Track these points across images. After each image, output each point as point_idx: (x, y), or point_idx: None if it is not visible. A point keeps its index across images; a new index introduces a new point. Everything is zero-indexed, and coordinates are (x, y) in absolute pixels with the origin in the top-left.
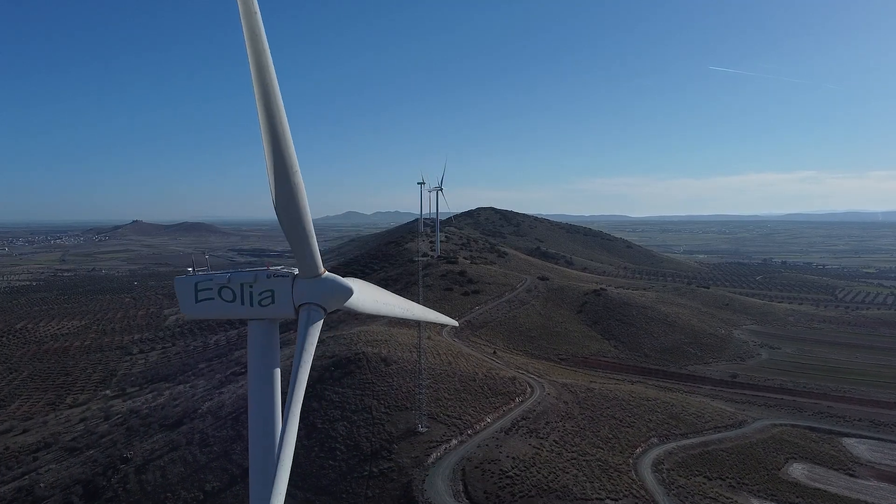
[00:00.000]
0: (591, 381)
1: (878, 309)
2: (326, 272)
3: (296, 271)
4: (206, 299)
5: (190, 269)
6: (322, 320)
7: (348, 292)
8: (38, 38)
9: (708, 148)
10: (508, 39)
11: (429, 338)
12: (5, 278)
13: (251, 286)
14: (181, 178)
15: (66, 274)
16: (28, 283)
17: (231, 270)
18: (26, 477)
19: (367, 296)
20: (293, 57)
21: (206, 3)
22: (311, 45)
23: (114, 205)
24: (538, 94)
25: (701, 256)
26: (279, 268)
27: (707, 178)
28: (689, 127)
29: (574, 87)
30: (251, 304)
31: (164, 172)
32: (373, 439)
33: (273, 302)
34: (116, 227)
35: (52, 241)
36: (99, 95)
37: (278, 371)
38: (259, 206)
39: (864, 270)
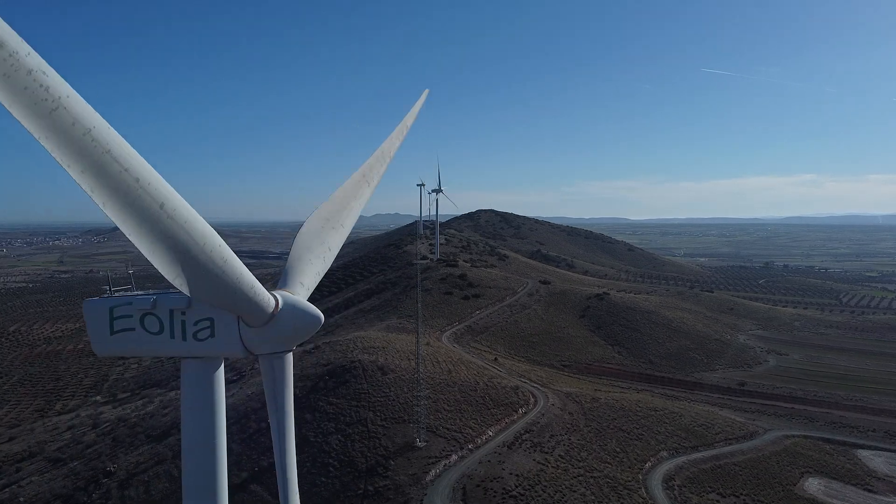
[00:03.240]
0: (595, 390)
1: (885, 314)
2: (279, 295)
3: None
4: (124, 330)
5: (106, 287)
6: (291, 357)
7: (317, 321)
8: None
9: (707, 151)
10: (508, 45)
11: (428, 344)
12: (1, 280)
13: (184, 313)
14: (181, 180)
15: (63, 276)
16: (24, 284)
17: (159, 290)
18: (6, 490)
19: (311, 278)
20: (294, 57)
21: (205, 8)
22: (312, 45)
23: None
24: (538, 98)
25: (702, 260)
26: None
27: (707, 181)
28: (688, 130)
29: (573, 90)
30: (183, 338)
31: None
32: (368, 454)
33: (213, 335)
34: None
35: (50, 243)
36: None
37: (222, 421)
38: (258, 209)
39: (867, 274)
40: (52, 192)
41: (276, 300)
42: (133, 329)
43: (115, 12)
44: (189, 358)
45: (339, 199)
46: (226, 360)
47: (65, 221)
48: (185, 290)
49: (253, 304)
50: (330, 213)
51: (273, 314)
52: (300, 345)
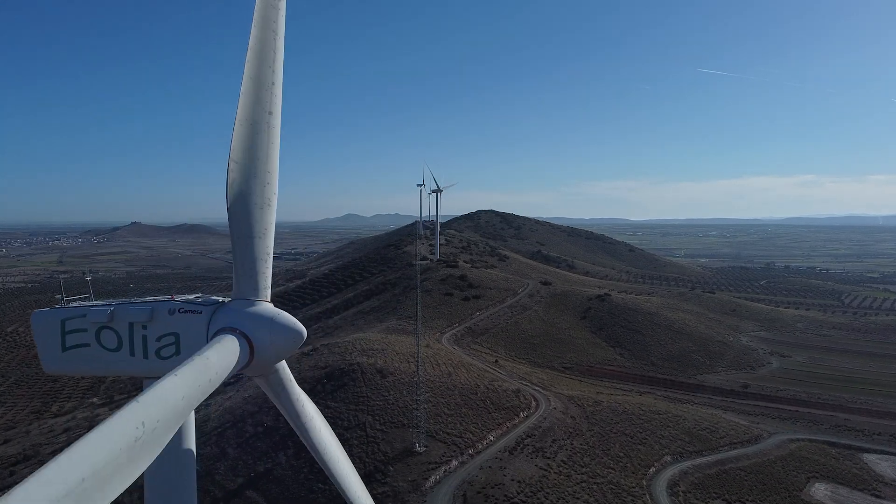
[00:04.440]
0: (597, 393)
1: (887, 315)
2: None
3: (218, 299)
4: (77, 346)
5: (59, 296)
6: (283, 369)
7: (298, 337)
8: (37, 42)
9: (707, 152)
10: (508, 46)
11: (428, 346)
12: (0, 280)
13: (145, 326)
14: (180, 179)
15: (62, 276)
16: (23, 284)
17: (117, 301)
18: None
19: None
20: (295, 58)
21: (204, 8)
22: (313, 47)
23: (113, 206)
24: (538, 99)
25: (702, 260)
26: (191, 297)
27: (707, 182)
28: (688, 131)
29: (574, 90)
30: (144, 356)
31: (163, 174)
32: (367, 460)
33: (178, 352)
34: (115, 229)
35: (50, 243)
36: (99, 98)
37: (191, 455)
38: None
39: (868, 275)
40: (51, 192)
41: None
42: (88, 345)
43: (117, 6)
44: (151, 378)
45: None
46: None
47: (65, 221)
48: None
49: (259, 279)
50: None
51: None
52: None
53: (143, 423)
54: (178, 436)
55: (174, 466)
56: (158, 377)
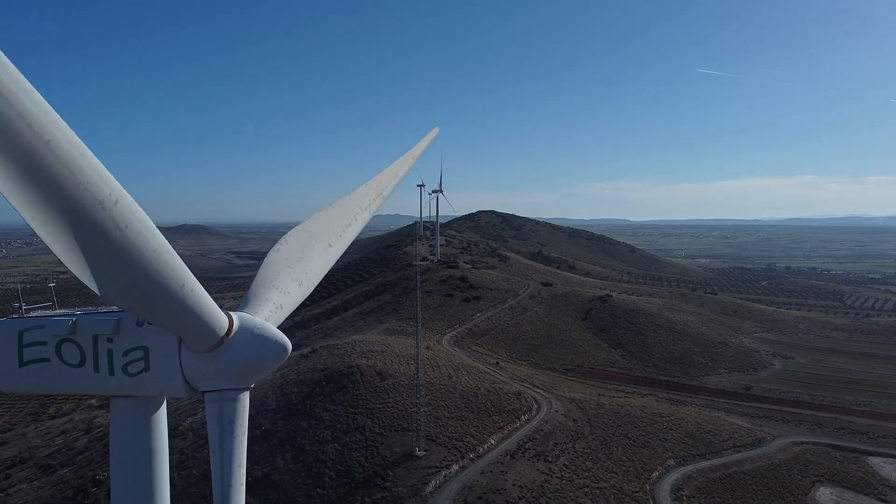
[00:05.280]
0: (599, 395)
1: (890, 316)
2: (236, 315)
3: None
4: (36, 361)
5: (18, 305)
6: (246, 399)
7: (281, 351)
8: (37, 45)
9: (708, 152)
10: (508, 47)
11: (428, 347)
12: (0, 280)
13: (110, 340)
14: (181, 180)
15: (63, 276)
16: (22, 285)
17: (81, 310)
18: None
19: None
20: (295, 58)
21: (204, 9)
22: (313, 47)
23: None
24: (538, 99)
25: (703, 261)
26: None
27: (707, 183)
28: (688, 131)
29: (574, 91)
30: (110, 372)
31: (163, 175)
32: (366, 464)
33: (147, 368)
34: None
35: None
36: (100, 99)
37: (164, 479)
38: (258, 210)
39: (870, 276)
40: None
41: (231, 320)
42: (48, 360)
43: (118, 9)
44: (118, 397)
45: (330, 218)
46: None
47: None
48: (91, 284)
49: (193, 317)
50: (317, 230)
51: (223, 338)
52: (297, 348)
53: None
54: (149, 430)
55: (144, 466)
56: (126, 396)
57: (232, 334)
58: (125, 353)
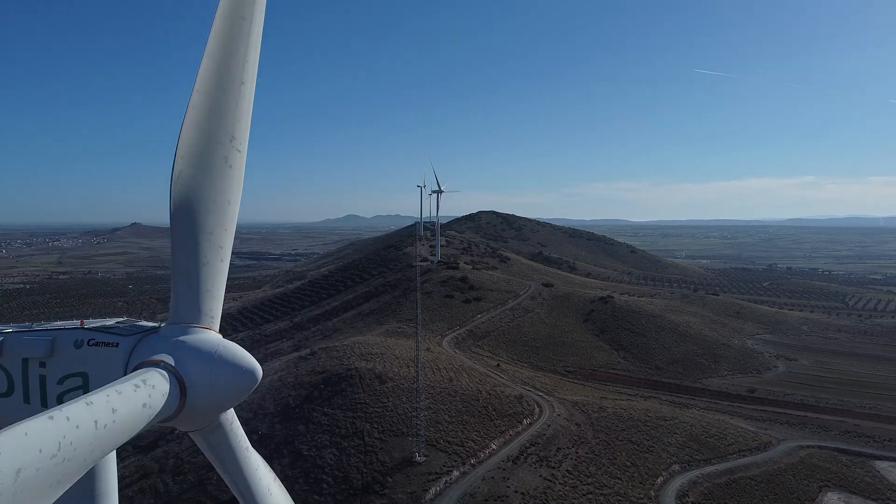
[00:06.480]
0: (602, 398)
1: (893, 317)
2: (181, 367)
3: (146, 325)
4: None
5: None
6: (231, 415)
7: (250, 379)
8: (37, 43)
9: (708, 153)
10: (508, 48)
11: (428, 349)
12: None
13: (43, 364)
14: None
15: (61, 276)
16: (22, 285)
17: (9, 327)
18: None
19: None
20: (292, 57)
21: (199, 7)
22: (313, 48)
23: (113, 207)
24: (538, 100)
25: (704, 261)
26: (110, 322)
27: (707, 183)
28: (688, 132)
29: (574, 91)
30: (42, 403)
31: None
32: (364, 470)
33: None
34: (115, 230)
35: (50, 243)
36: (100, 99)
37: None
38: (258, 210)
39: (871, 276)
40: (52, 192)
41: (181, 383)
42: None
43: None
44: None
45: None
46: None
47: (65, 222)
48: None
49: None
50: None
51: (181, 405)
52: (296, 350)
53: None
54: (92, 476)
55: None
56: None
57: (186, 403)
58: (60, 381)
